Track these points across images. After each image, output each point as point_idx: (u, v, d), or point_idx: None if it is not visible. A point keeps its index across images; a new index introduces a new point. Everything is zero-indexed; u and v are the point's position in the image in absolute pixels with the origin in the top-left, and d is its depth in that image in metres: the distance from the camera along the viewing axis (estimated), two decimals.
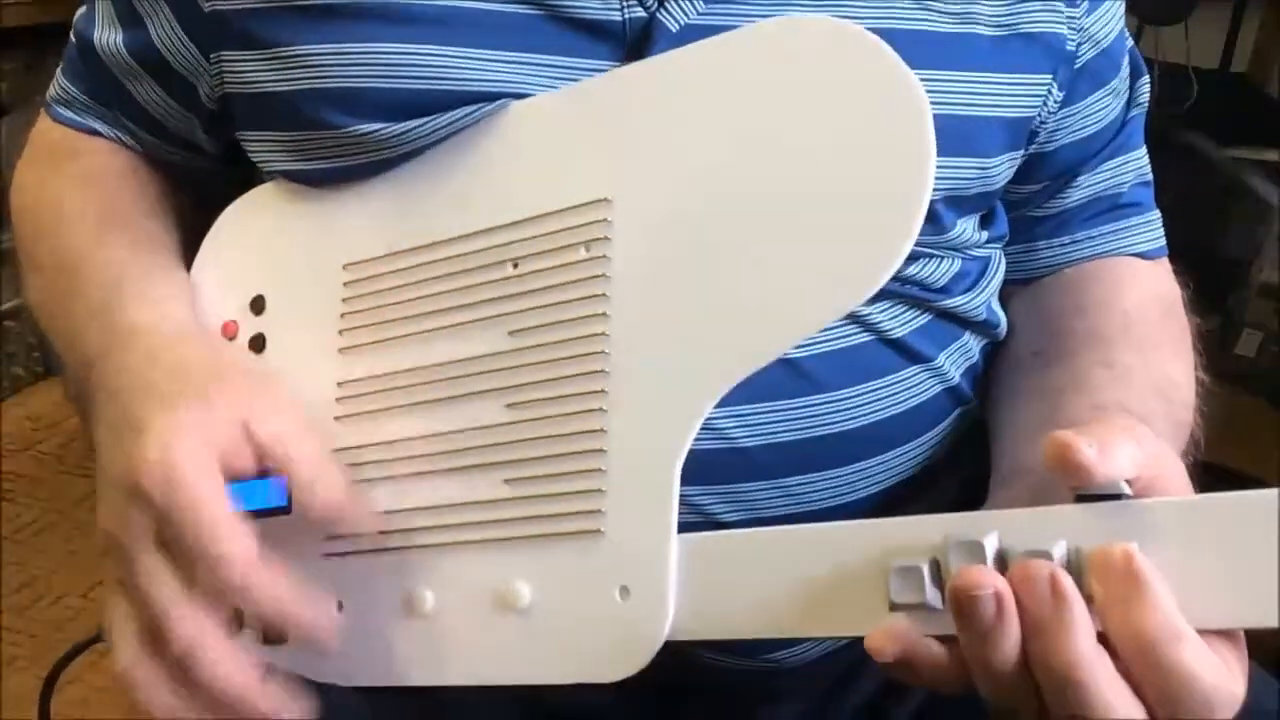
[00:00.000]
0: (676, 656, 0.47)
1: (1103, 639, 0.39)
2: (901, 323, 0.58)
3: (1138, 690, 0.39)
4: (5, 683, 1.54)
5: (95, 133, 0.66)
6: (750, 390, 0.47)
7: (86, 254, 0.60)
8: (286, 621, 0.47)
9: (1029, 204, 0.67)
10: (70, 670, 1.54)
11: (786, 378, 0.54)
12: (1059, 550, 0.39)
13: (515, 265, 0.51)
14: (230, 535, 0.45)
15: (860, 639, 0.62)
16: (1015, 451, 0.59)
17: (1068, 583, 0.39)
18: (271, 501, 0.49)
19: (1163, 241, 0.68)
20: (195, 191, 0.67)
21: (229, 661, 0.46)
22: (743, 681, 0.62)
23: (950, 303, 0.60)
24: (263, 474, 0.49)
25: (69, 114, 0.67)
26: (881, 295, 0.46)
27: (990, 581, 0.39)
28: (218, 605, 0.47)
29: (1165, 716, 0.38)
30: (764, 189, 0.47)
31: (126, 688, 0.47)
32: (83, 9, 0.66)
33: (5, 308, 2.25)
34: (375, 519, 0.51)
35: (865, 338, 0.57)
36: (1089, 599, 0.39)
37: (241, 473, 0.48)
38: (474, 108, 0.53)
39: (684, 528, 0.47)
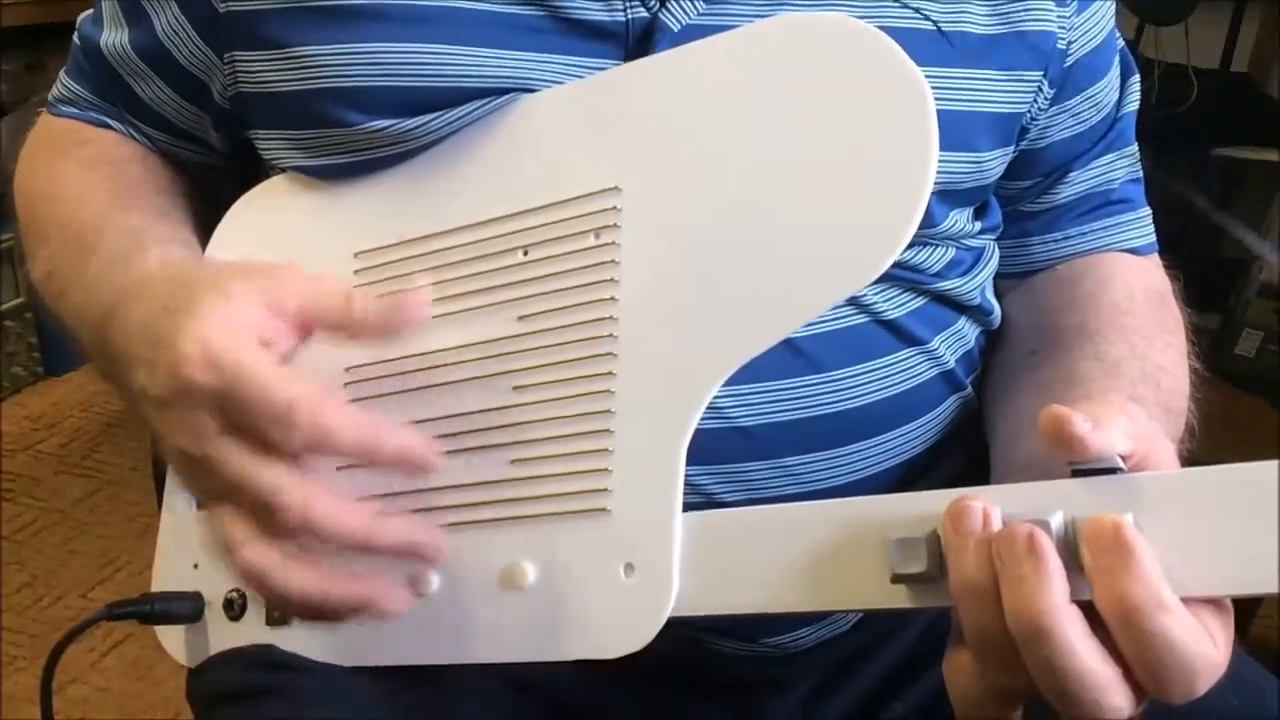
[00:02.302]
0: (679, 640, 0.47)
1: (1090, 615, 0.39)
2: (896, 305, 0.59)
3: (1122, 660, 0.39)
4: (5, 683, 1.54)
5: (104, 125, 0.66)
6: (750, 370, 0.48)
7: (97, 221, 0.59)
8: (373, 449, 0.46)
9: (1021, 199, 0.67)
10: (70, 670, 1.54)
11: (785, 358, 0.55)
12: (1056, 521, 0.40)
13: (525, 253, 0.52)
14: (289, 385, 0.44)
15: (858, 629, 0.63)
16: (1011, 447, 0.60)
17: (1044, 540, 0.39)
18: None
19: (1154, 237, 0.69)
20: (204, 185, 0.67)
21: (343, 510, 0.45)
22: (743, 668, 0.62)
23: (944, 286, 0.61)
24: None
25: (74, 111, 0.67)
26: (878, 278, 0.47)
27: (981, 505, 0.40)
28: (308, 460, 0.46)
29: (1148, 683, 0.39)
30: (769, 178, 0.48)
31: (256, 580, 0.46)
32: (87, 11, 0.66)
33: (5, 308, 2.25)
34: (421, 309, 0.48)
35: (861, 319, 0.58)
36: (1082, 569, 0.39)
37: (280, 344, 0.47)
38: (483, 102, 0.54)
39: (684, 508, 0.48)
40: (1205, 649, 0.39)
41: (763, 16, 0.54)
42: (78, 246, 0.58)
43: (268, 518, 0.45)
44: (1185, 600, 0.39)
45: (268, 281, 0.48)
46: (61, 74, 0.68)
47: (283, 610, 0.50)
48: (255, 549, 0.46)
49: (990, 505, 0.41)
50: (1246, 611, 1.32)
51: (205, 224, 0.63)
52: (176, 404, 0.46)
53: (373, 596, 0.47)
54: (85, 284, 0.56)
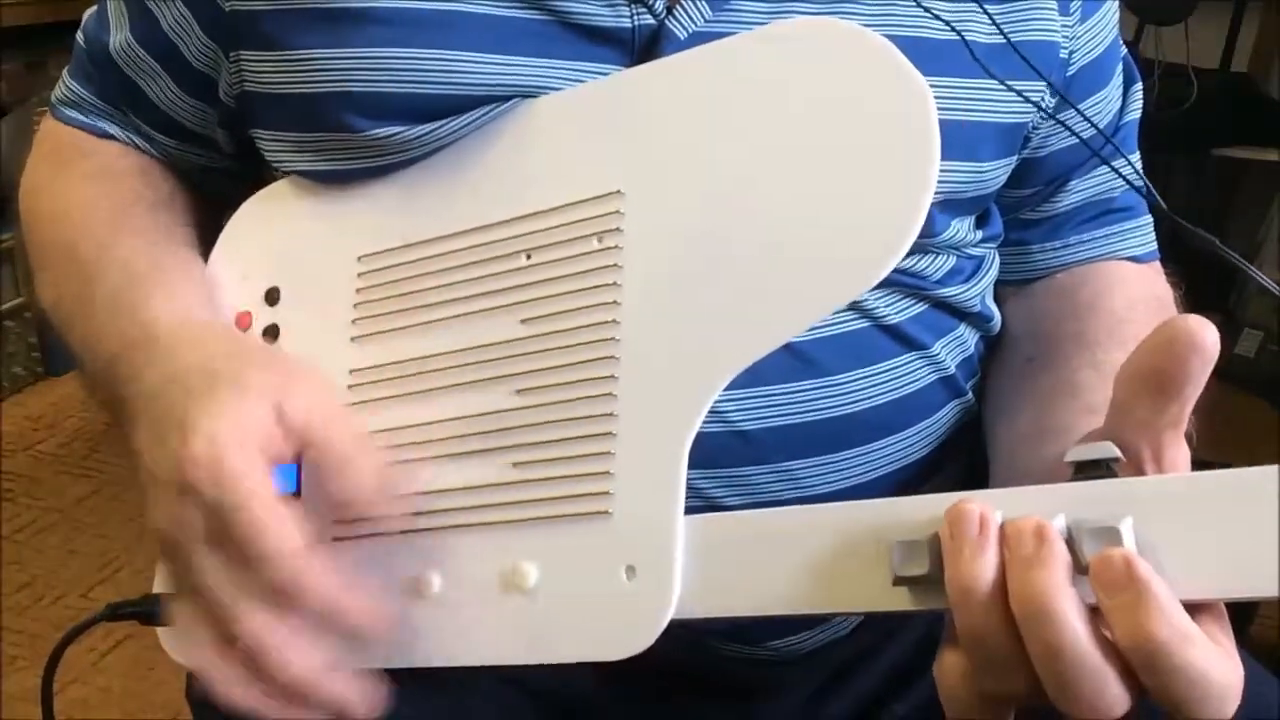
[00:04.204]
0: (680, 643, 0.48)
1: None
2: (897, 310, 0.59)
3: (1119, 660, 0.39)
4: (5, 682, 1.54)
5: (106, 135, 0.66)
6: (750, 374, 0.48)
7: (101, 248, 0.60)
8: (340, 616, 0.47)
9: (1022, 207, 0.67)
10: (70, 670, 1.54)
11: (786, 362, 0.55)
12: (1059, 523, 0.40)
13: (528, 256, 0.52)
14: (280, 532, 0.46)
15: (858, 631, 0.63)
16: (1009, 454, 0.60)
17: (1050, 529, 0.39)
18: (281, 489, 0.49)
19: (1155, 245, 0.69)
20: (206, 190, 0.67)
21: (295, 654, 0.47)
22: (743, 670, 0.63)
23: (945, 293, 0.61)
24: (296, 459, 0.49)
25: (78, 116, 0.67)
26: (879, 283, 0.47)
27: (979, 507, 0.40)
28: (273, 599, 0.47)
29: (1176, 713, 0.38)
30: (771, 183, 0.49)
31: (205, 682, 0.48)
32: (91, 11, 0.66)
33: (5, 308, 2.25)
34: (404, 503, 0.51)
35: (862, 324, 0.58)
36: (1084, 571, 0.39)
37: (281, 457, 0.48)
38: (489, 108, 0.54)
39: (685, 512, 0.48)
40: (1230, 674, 0.38)
41: (770, 22, 0.54)
42: (77, 282, 0.59)
43: (221, 629, 0.47)
44: (1184, 605, 0.38)
45: (285, 382, 0.49)
46: (64, 74, 0.68)
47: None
48: (206, 654, 0.48)
49: (988, 508, 0.41)
50: (1246, 612, 1.32)
51: (209, 230, 0.64)
52: (171, 491, 0.47)
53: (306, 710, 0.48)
54: (87, 323, 0.58)
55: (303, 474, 0.51)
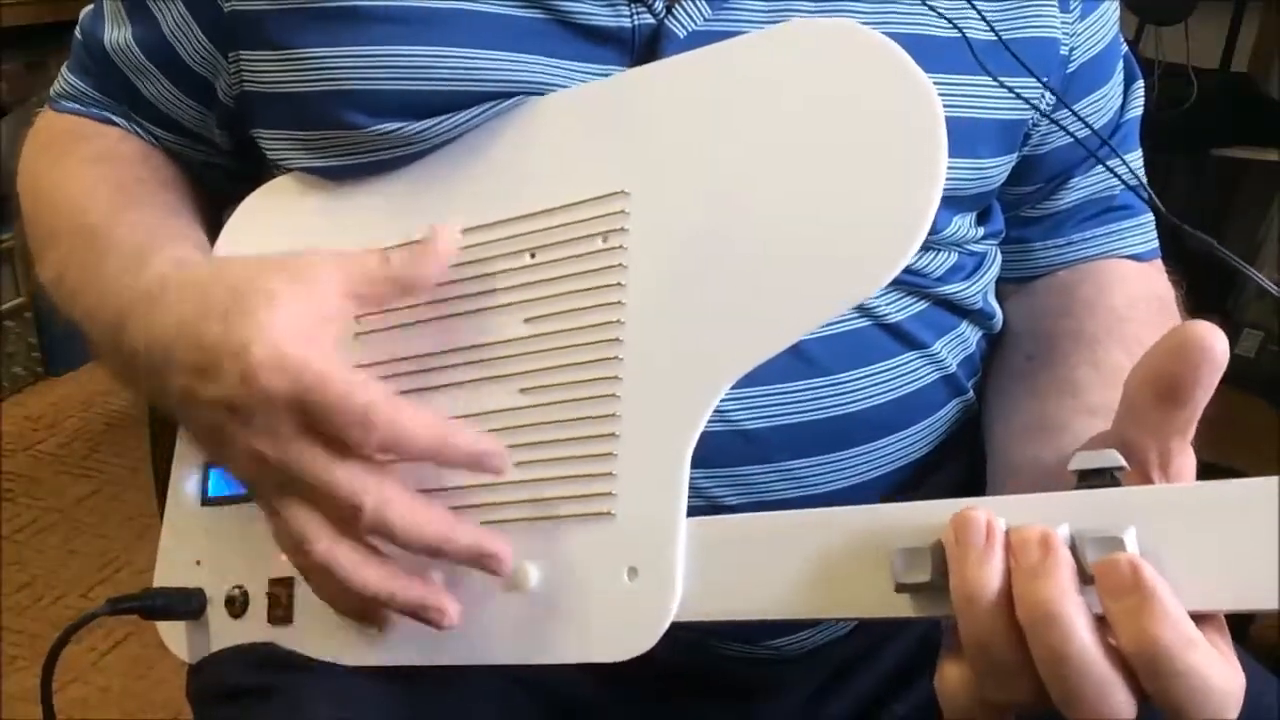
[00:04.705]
0: (680, 643, 0.48)
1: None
2: (899, 309, 0.59)
3: (1124, 667, 0.39)
4: (5, 682, 1.54)
5: (108, 120, 0.66)
6: (753, 373, 0.48)
7: (105, 220, 0.59)
8: (445, 452, 0.48)
9: (1023, 205, 0.67)
10: (71, 670, 1.54)
11: (787, 361, 0.55)
12: (1063, 531, 0.40)
13: (533, 255, 0.52)
14: (364, 389, 0.46)
15: (859, 631, 0.63)
16: (1006, 452, 0.60)
17: (1056, 536, 0.39)
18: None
19: (1156, 243, 0.69)
20: (208, 185, 0.67)
21: (419, 511, 0.47)
22: (743, 670, 0.63)
23: (947, 290, 0.61)
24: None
25: (77, 107, 0.67)
26: None
27: (984, 515, 0.40)
28: (386, 462, 0.47)
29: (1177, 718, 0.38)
30: (777, 184, 0.48)
31: (330, 574, 0.48)
32: (88, 7, 0.66)
33: (5, 308, 2.25)
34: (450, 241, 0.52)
35: (863, 323, 0.58)
36: (1088, 580, 0.39)
37: (342, 331, 0.49)
38: (490, 105, 0.54)
39: (687, 513, 0.48)
40: (1231, 679, 0.38)
41: (769, 21, 0.54)
42: (86, 249, 0.58)
43: (344, 517, 0.47)
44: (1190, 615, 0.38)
45: (314, 272, 0.50)
46: (63, 69, 0.68)
47: (336, 604, 0.51)
48: (329, 545, 0.48)
49: (993, 516, 0.41)
50: (1247, 613, 1.32)
51: (209, 223, 0.63)
52: (247, 408, 0.47)
53: (431, 604, 0.49)
54: (97, 287, 0.56)
55: None
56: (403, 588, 0.49)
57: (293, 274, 0.49)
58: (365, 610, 0.51)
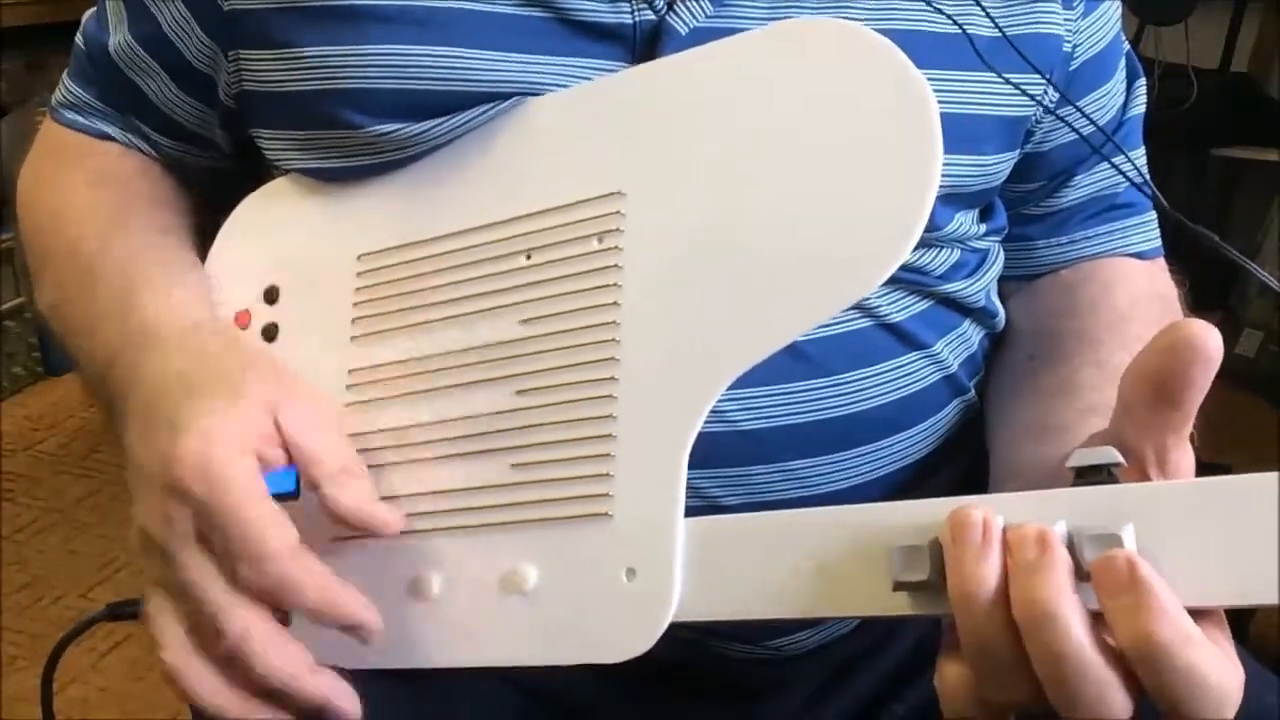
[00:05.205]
0: (680, 643, 0.47)
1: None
2: (900, 308, 0.59)
3: (1120, 666, 0.39)
4: (5, 682, 1.54)
5: (106, 136, 0.66)
6: (751, 373, 0.48)
7: (101, 250, 0.59)
8: (332, 615, 0.47)
9: (1026, 202, 0.67)
10: (70, 670, 1.54)
11: (787, 361, 0.55)
12: (1060, 529, 0.40)
13: (528, 256, 0.52)
14: (270, 532, 0.46)
15: (859, 630, 0.63)
16: (1008, 453, 0.59)
17: (1053, 535, 0.39)
18: (280, 488, 0.50)
19: (1159, 242, 0.69)
20: (206, 191, 0.67)
21: (279, 652, 0.47)
22: (743, 670, 0.62)
23: (949, 288, 0.61)
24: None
25: (78, 118, 0.66)
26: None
27: (981, 513, 0.40)
28: (263, 597, 0.47)
29: (1176, 716, 0.38)
30: (773, 183, 0.48)
31: (174, 682, 0.48)
32: (90, 12, 0.66)
33: (5, 308, 2.25)
34: (394, 520, 0.51)
35: (865, 323, 0.58)
36: (1085, 577, 0.39)
37: (273, 462, 0.48)
38: (489, 106, 0.54)
39: (685, 512, 0.48)
40: (1229, 675, 0.38)
41: (771, 18, 0.54)
42: (77, 285, 0.59)
43: (205, 631, 0.47)
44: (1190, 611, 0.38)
45: (280, 387, 0.50)
46: (64, 77, 0.68)
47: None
48: (180, 654, 0.48)
49: (991, 514, 0.40)
50: (1246, 611, 1.32)
51: (210, 231, 0.63)
52: (160, 491, 0.47)
53: None
54: (87, 326, 0.58)
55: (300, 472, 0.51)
56: (249, 713, 0.48)
57: (272, 383, 0.50)
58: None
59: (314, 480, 0.49)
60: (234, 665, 0.47)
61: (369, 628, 0.48)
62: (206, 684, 0.48)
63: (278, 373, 0.52)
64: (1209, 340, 0.40)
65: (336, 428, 0.52)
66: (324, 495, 0.49)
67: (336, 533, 0.52)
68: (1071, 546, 0.40)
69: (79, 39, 0.67)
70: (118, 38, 0.63)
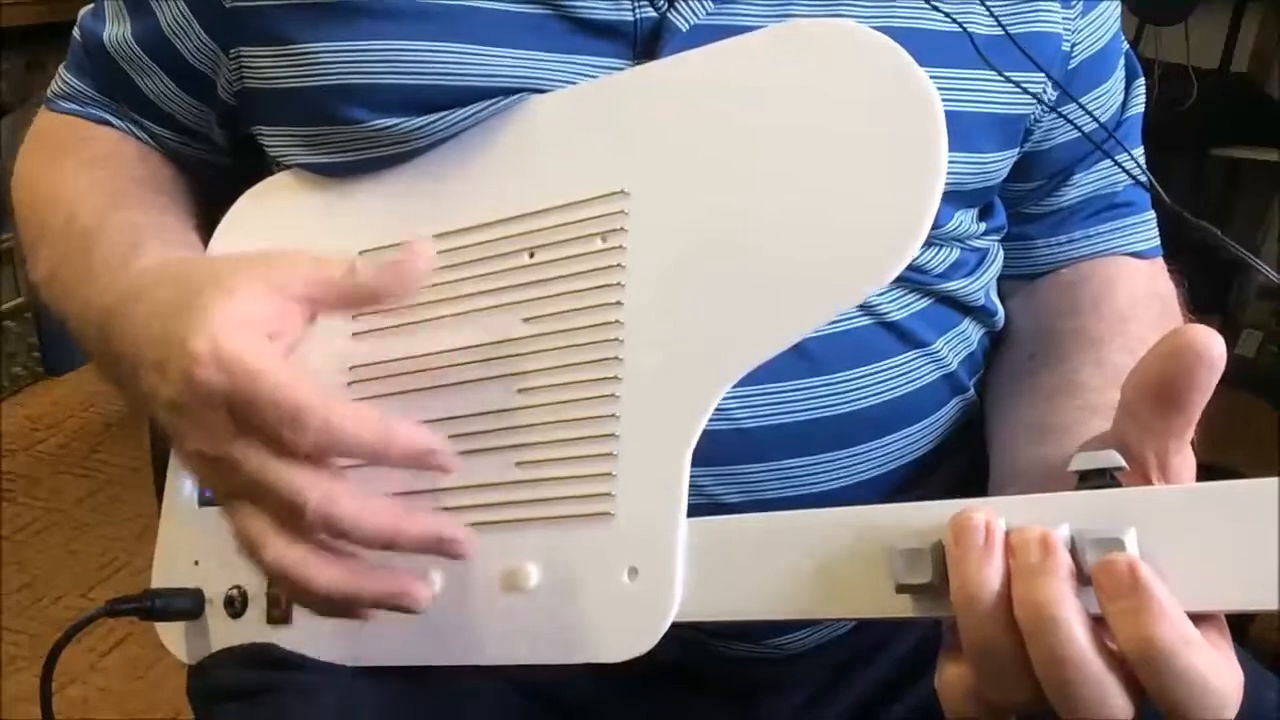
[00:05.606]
0: (681, 642, 0.47)
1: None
2: (900, 306, 0.59)
3: (1120, 669, 0.39)
4: (5, 682, 1.54)
5: (104, 121, 0.66)
6: (754, 372, 0.48)
7: (98, 222, 0.59)
8: (387, 448, 0.45)
9: (1025, 201, 0.67)
10: (70, 670, 1.54)
11: (788, 359, 0.55)
12: (1062, 532, 0.40)
13: (532, 254, 0.52)
14: (295, 388, 0.44)
15: (860, 630, 0.63)
16: (1008, 452, 0.59)
17: (1055, 538, 0.39)
18: None
19: (1158, 241, 0.69)
20: (204, 182, 0.67)
21: (365, 505, 0.45)
22: (744, 669, 0.62)
23: (949, 287, 0.61)
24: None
25: (74, 106, 0.67)
26: None
27: (984, 516, 0.40)
28: (325, 458, 0.45)
29: (1176, 718, 0.38)
30: (777, 183, 0.48)
31: (283, 580, 0.46)
32: (87, 6, 0.66)
33: (5, 308, 2.25)
34: (423, 262, 0.47)
35: (865, 321, 0.58)
36: (1087, 581, 0.39)
37: (287, 331, 0.47)
38: (490, 102, 0.54)
39: (687, 512, 0.48)
40: (1229, 678, 0.38)
41: (772, 17, 0.54)
42: (78, 248, 0.58)
43: (289, 516, 0.45)
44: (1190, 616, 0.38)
45: (271, 269, 0.48)
46: (61, 69, 0.68)
47: (309, 606, 0.49)
48: (278, 547, 0.46)
49: (993, 517, 0.41)
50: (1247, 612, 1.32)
51: (207, 222, 0.63)
52: (190, 405, 0.46)
53: (399, 591, 0.47)
54: (86, 286, 0.56)
55: None
56: (364, 583, 0.47)
57: (249, 269, 0.48)
58: (337, 608, 0.48)
59: (332, 293, 0.47)
60: (332, 533, 0.45)
61: (436, 458, 0.46)
62: (313, 568, 0.46)
63: (267, 256, 0.50)
64: (1212, 345, 0.40)
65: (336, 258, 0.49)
66: (352, 289, 0.47)
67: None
68: (1074, 550, 0.40)
69: (76, 32, 0.67)
70: (116, 34, 0.63)
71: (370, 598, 0.47)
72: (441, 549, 0.47)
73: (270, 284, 0.47)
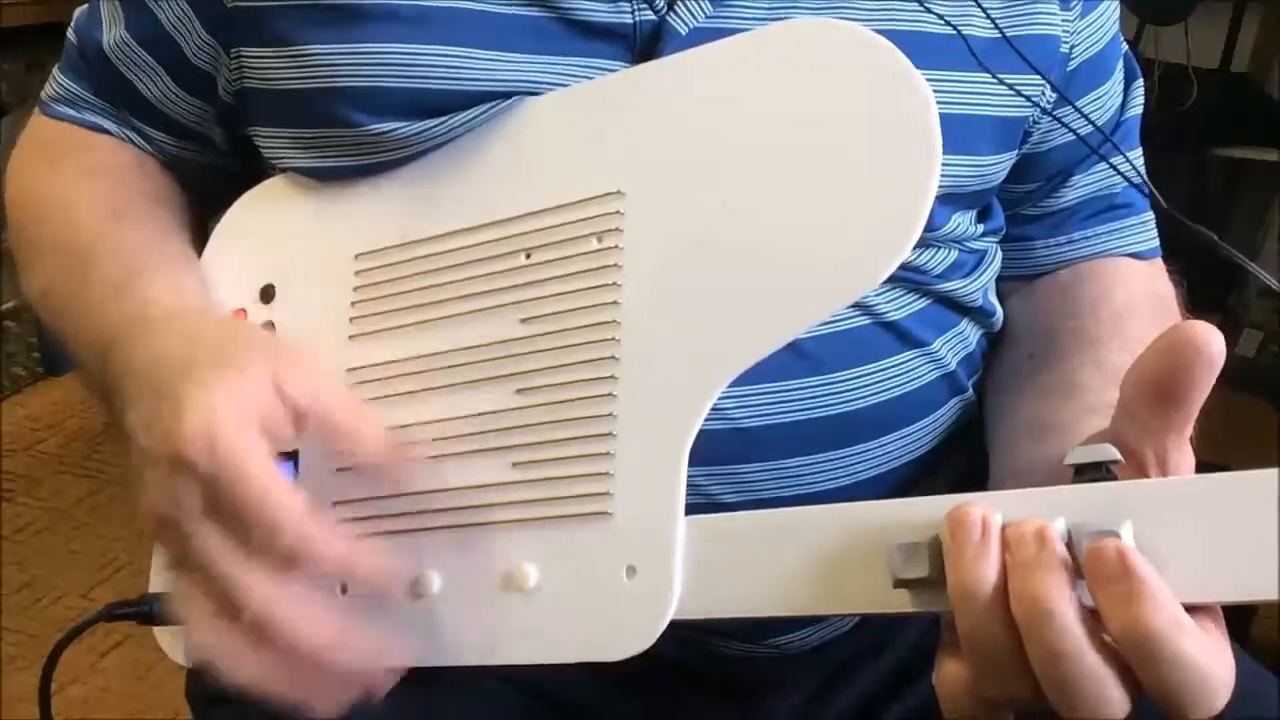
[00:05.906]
0: (680, 641, 0.47)
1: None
2: (899, 306, 0.59)
3: (1117, 664, 0.39)
4: (5, 682, 1.54)
5: (100, 129, 0.65)
6: (751, 371, 0.48)
7: (97, 239, 0.59)
8: (351, 575, 0.47)
9: (1024, 202, 0.67)
10: (70, 670, 1.54)
11: (786, 359, 0.55)
12: (1058, 526, 0.40)
13: (528, 255, 0.52)
14: (279, 498, 0.44)
15: (860, 628, 0.63)
16: (1008, 452, 0.60)
17: (1051, 532, 0.39)
18: None
19: (1157, 242, 0.69)
20: (202, 188, 0.67)
21: (306, 619, 0.45)
22: (744, 668, 0.63)
23: (947, 287, 0.61)
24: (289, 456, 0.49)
25: (70, 111, 0.66)
26: None
27: (980, 511, 0.40)
28: (281, 565, 0.46)
29: (1167, 706, 0.38)
30: (773, 183, 0.49)
31: (208, 663, 0.46)
32: (82, 8, 0.66)
33: (5, 308, 2.25)
34: (416, 449, 0.50)
35: (863, 320, 0.58)
36: (1083, 576, 0.39)
37: (280, 434, 0.47)
38: (489, 105, 0.54)
39: (685, 511, 0.48)
40: (1221, 665, 0.38)
41: (770, 19, 0.54)
42: (73, 268, 0.58)
43: (228, 607, 0.46)
44: (1185, 607, 0.38)
45: (281, 361, 0.48)
46: (55, 71, 0.67)
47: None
48: (209, 633, 0.46)
49: (989, 511, 0.41)
50: (1246, 611, 1.32)
51: (204, 227, 0.63)
52: (165, 469, 0.46)
53: (309, 702, 0.47)
54: (83, 308, 0.57)
55: (300, 466, 0.51)
56: (279, 685, 0.46)
57: (265, 352, 0.49)
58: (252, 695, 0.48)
59: (333, 428, 0.48)
60: (264, 638, 0.46)
61: (388, 589, 0.48)
62: (241, 660, 0.46)
63: (277, 345, 0.52)
64: (1211, 341, 0.40)
65: (341, 387, 0.51)
66: (346, 439, 0.48)
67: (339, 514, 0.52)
68: (1070, 544, 0.40)
69: (70, 34, 0.66)
70: (113, 35, 0.62)
71: (277, 698, 0.46)
72: (359, 681, 0.47)
73: (280, 381, 0.47)
